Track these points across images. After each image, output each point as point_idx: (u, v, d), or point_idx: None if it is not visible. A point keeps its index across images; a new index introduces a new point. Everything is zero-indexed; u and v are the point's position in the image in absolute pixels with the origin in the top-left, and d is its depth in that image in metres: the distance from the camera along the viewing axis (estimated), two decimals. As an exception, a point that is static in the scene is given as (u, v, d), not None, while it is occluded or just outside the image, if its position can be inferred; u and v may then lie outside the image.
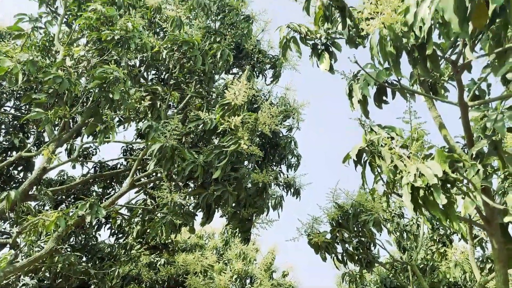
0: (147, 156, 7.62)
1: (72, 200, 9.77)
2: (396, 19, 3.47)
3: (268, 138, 8.42)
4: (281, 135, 8.82)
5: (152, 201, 8.31)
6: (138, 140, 9.10)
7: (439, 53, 3.85)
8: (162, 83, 8.54)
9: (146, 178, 8.28)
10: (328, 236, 6.90)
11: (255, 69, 8.54)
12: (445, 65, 4.79)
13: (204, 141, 7.50)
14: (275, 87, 9.20)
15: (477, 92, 4.62)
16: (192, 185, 7.80)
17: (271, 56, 8.67)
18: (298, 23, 5.01)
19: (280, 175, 8.61)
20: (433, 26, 3.17)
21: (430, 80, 5.09)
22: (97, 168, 9.65)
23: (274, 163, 8.96)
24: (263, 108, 6.97)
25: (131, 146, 9.56)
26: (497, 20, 2.77)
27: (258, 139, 8.61)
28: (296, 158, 9.24)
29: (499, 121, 3.71)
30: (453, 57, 3.96)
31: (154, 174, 8.07)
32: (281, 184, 8.66)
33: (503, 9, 2.61)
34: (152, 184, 8.74)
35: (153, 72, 9.02)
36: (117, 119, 8.55)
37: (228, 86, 6.72)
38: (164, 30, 8.39)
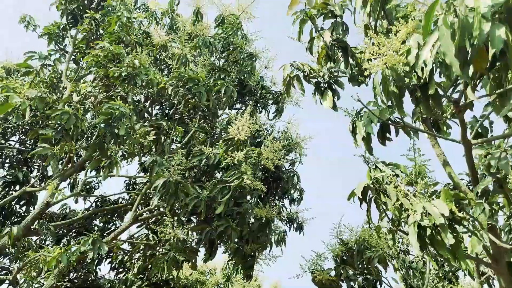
0: (150, 191, 7.63)
1: (74, 235, 9.68)
2: (398, 60, 3.56)
3: (271, 172, 8.43)
4: (283, 169, 8.84)
5: (154, 236, 8.23)
6: (141, 174, 9.12)
7: (441, 92, 3.93)
8: (166, 118, 8.65)
9: (148, 212, 8.24)
10: (333, 273, 6.78)
11: (258, 105, 8.67)
12: (447, 103, 4.87)
13: (207, 176, 7.52)
14: (277, 122, 9.31)
15: (479, 130, 4.68)
16: (194, 220, 7.75)
17: (274, 91, 8.83)
18: (301, 62, 5.13)
19: (282, 210, 8.57)
20: (434, 67, 3.26)
21: (433, 117, 5.16)
22: (99, 202, 9.61)
23: (276, 198, 8.93)
24: (266, 143, 7.03)
25: (134, 180, 9.56)
26: (497, 64, 2.85)
27: (260, 173, 8.63)
28: (298, 192, 9.22)
29: (503, 159, 3.74)
30: (455, 95, 4.05)
31: (156, 208, 8.04)
32: (284, 219, 8.60)
33: (502, 53, 2.69)
34: (154, 219, 8.69)
35: (158, 107, 9.16)
36: (120, 153, 8.61)
37: (231, 122, 6.81)
38: (170, 66, 8.59)
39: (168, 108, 8.81)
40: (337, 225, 7.85)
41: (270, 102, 8.82)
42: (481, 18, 2.57)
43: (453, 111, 4.41)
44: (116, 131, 6.52)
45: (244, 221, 6.93)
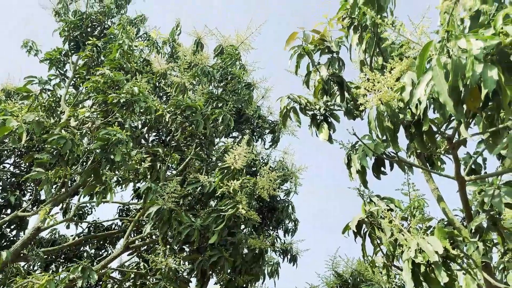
0: (143, 218, 7.55)
1: (63, 261, 9.49)
2: (393, 96, 3.63)
3: (266, 202, 8.39)
4: (278, 199, 8.80)
5: (146, 265, 8.08)
6: (135, 200, 9.05)
7: (434, 128, 3.99)
8: (163, 145, 8.67)
9: (140, 240, 8.12)
10: (327, 307, 6.65)
11: (255, 134, 8.73)
12: (441, 139, 4.92)
13: (202, 204, 7.47)
14: (273, 151, 9.34)
15: (473, 166, 4.72)
16: (187, 250, 7.64)
17: (270, 121, 8.91)
18: (298, 94, 5.21)
19: (277, 241, 8.48)
20: (428, 104, 3.33)
21: (427, 153, 5.21)
22: (91, 228, 9.48)
23: (271, 228, 8.85)
24: (262, 173, 7.03)
25: (127, 206, 9.47)
26: (490, 103, 2.91)
27: (255, 203, 8.58)
28: (293, 223, 9.15)
29: (497, 196, 3.75)
30: (449, 132, 4.10)
31: (149, 236, 7.94)
32: (277, 250, 8.49)
33: (495, 94, 2.75)
34: (146, 247, 8.56)
35: (155, 133, 9.20)
36: (115, 179, 8.57)
37: (228, 150, 6.83)
38: (168, 94, 8.68)
39: (165, 135, 8.85)
40: (332, 257, 7.77)
41: (267, 131, 8.89)
42: (474, 60, 2.65)
43: (447, 147, 4.46)
44: (112, 157, 6.51)
45: (237, 251, 6.84)
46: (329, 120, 5.20)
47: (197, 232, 6.48)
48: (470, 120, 3.59)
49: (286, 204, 8.93)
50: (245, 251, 7.34)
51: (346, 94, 4.90)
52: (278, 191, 8.66)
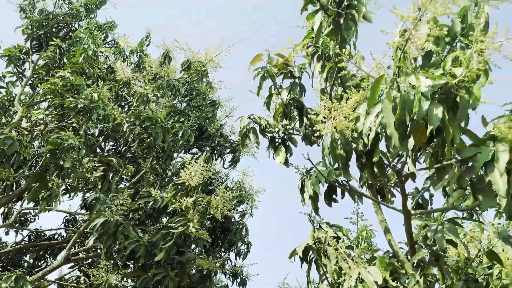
0: (89, 230, 7.22)
1: (0, 269, 8.87)
2: (347, 125, 3.68)
3: (219, 223, 8.25)
4: (233, 220, 8.68)
5: (86, 279, 7.69)
6: (83, 211, 8.66)
7: (385, 161, 4.08)
8: (118, 155, 8.42)
9: (84, 253, 7.75)
10: (271, 334, 6.52)
11: (215, 152, 8.66)
12: (391, 172, 5.04)
13: (152, 220, 7.24)
14: (233, 171, 9.27)
15: (420, 201, 4.85)
16: (132, 266, 7.33)
17: (232, 141, 8.88)
18: (259, 115, 5.23)
19: (227, 263, 8.31)
20: (380, 136, 3.40)
21: (379, 184, 5.31)
22: (32, 237, 8.95)
23: (223, 249, 8.68)
24: (218, 192, 6.92)
25: (73, 216, 9.05)
26: (435, 140, 3.01)
27: (209, 222, 8.42)
28: (246, 245, 9.03)
29: (439, 232, 3.84)
30: (399, 165, 4.20)
31: (93, 249, 7.58)
32: (227, 272, 8.32)
33: (439, 131, 2.85)
34: (90, 260, 8.16)
35: (112, 143, 8.93)
36: (64, 187, 8.21)
37: (185, 166, 6.71)
38: (130, 104, 8.50)
39: (122, 145, 8.61)
40: (280, 283, 7.67)
41: (227, 150, 8.84)
42: (421, 96, 2.74)
43: (396, 180, 4.56)
44: (62, 163, 6.24)
45: (184, 271, 6.63)
46: (287, 144, 5.23)
47: (144, 248, 6.25)
48: (418, 155, 3.70)
49: (240, 226, 8.82)
50: (193, 271, 7.13)
51: (305, 120, 4.95)
52: (233, 212, 8.56)
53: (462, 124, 2.99)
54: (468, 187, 3.22)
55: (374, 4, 4.36)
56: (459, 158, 3.05)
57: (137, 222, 7.48)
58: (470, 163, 2.89)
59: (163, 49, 9.06)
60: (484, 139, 2.91)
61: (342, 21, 4.38)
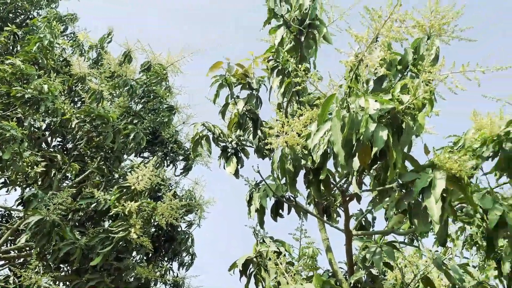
0: (22, 227, 6.78)
1: None
2: (298, 141, 3.70)
3: (165, 231, 8.02)
4: (179, 229, 8.47)
5: (16, 279, 7.18)
6: (19, 207, 8.14)
7: (333, 180, 4.13)
8: (64, 152, 8.03)
9: (16, 251, 7.25)
10: None
11: (167, 158, 8.46)
12: (338, 192, 5.13)
13: (93, 223, 6.92)
14: (184, 180, 9.08)
15: (363, 223, 4.94)
16: (66, 269, 6.94)
17: (186, 148, 8.72)
18: (213, 124, 5.18)
19: (168, 273, 8.06)
20: (328, 155, 3.43)
21: (325, 202, 5.38)
22: (-41, 231, 8.28)
23: (165, 259, 8.42)
24: (165, 199, 6.74)
25: (9, 212, 8.48)
26: (379, 162, 3.08)
27: (153, 229, 8.17)
28: (190, 256, 8.82)
29: (377, 254, 3.91)
30: (346, 186, 4.27)
31: (26, 249, 7.12)
32: (168, 283, 8.06)
33: (384, 154, 2.92)
34: (22, 260, 7.64)
35: (59, 139, 8.52)
36: (2, 180, 7.71)
37: (133, 169, 6.49)
38: (83, 100, 8.18)
39: (70, 142, 8.23)
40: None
41: (180, 157, 8.66)
42: (369, 118, 2.80)
43: (341, 200, 4.63)
44: (0, 154, 5.86)
45: (121, 278, 6.35)
46: (239, 155, 5.20)
47: (80, 251, 5.93)
48: (364, 177, 3.77)
49: (186, 236, 8.61)
50: (131, 279, 6.86)
51: (259, 132, 4.95)
52: (180, 221, 8.35)
53: (406, 150, 3.08)
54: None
55: (335, 27, 4.47)
56: (400, 182, 3.14)
57: (76, 224, 7.13)
58: (410, 188, 2.97)
59: (125, 48, 8.83)
60: (424, 166, 3.02)
61: (303, 39, 4.45)
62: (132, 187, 6.11)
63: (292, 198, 4.60)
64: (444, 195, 2.82)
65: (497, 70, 2.94)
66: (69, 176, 8.13)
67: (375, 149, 2.80)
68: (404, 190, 3.04)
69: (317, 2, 4.46)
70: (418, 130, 2.96)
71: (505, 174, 3.65)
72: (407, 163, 3.18)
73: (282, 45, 4.51)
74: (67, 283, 6.38)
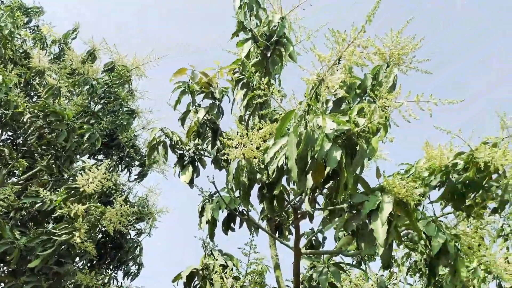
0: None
1: None
2: (255, 154, 3.68)
3: (112, 238, 7.72)
4: (128, 237, 8.18)
5: None
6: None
7: (287, 197, 4.13)
8: (14, 147, 7.62)
9: None
10: None
11: (123, 162, 8.20)
12: (291, 209, 5.14)
13: (36, 223, 6.55)
14: (138, 186, 8.82)
15: (313, 242, 4.97)
16: (1, 270, 6.50)
17: (143, 153, 8.49)
18: (172, 130, 5.09)
19: (112, 282, 7.73)
20: (283, 170, 3.44)
21: (279, 219, 5.38)
22: None
23: (110, 267, 8.08)
24: (115, 204, 6.49)
25: None
26: (331, 181, 3.12)
27: (100, 235, 7.85)
28: (137, 266, 8.51)
29: (324, 274, 3.93)
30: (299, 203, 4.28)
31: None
32: (110, 292, 7.72)
33: (336, 174, 2.96)
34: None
35: (10, 133, 8.08)
36: None
37: (84, 170, 6.24)
38: (40, 95, 7.83)
39: (20, 136, 7.82)
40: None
41: (136, 163, 8.42)
42: (324, 137, 2.83)
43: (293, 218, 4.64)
44: None
45: (60, 283, 6.01)
46: (196, 164, 5.13)
47: (18, 252, 5.58)
48: (317, 195, 3.80)
49: (135, 245, 8.32)
50: (71, 286, 6.51)
51: (218, 143, 4.91)
52: (130, 229, 8.08)
53: (358, 171, 3.14)
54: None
55: (302, 46, 4.54)
56: (351, 203, 3.18)
57: (18, 223, 6.73)
58: (358, 210, 3.02)
59: (90, 47, 8.58)
60: (374, 189, 3.08)
61: (269, 54, 4.50)
62: (81, 189, 5.85)
63: (245, 212, 4.56)
64: (391, 219, 2.88)
65: (449, 103, 3.07)
66: (16, 173, 7.71)
67: (328, 168, 2.83)
68: (353, 212, 3.08)
69: (286, 21, 4.54)
70: (371, 153, 3.02)
71: (449, 204, 3.78)
72: (359, 185, 3.24)
73: (249, 58, 4.54)
74: (2, 284, 5.96)
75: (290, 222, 5.11)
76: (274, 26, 4.47)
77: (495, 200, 3.85)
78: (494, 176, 3.76)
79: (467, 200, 3.74)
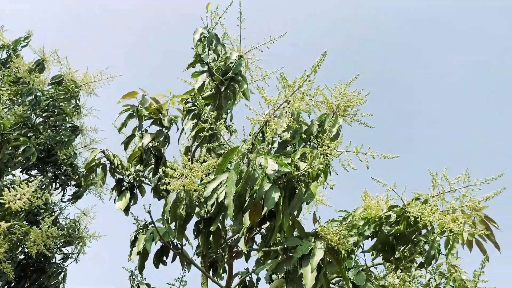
0: None
1: None
2: (196, 187, 3.61)
3: (34, 261, 7.14)
4: (52, 261, 7.59)
5: None
6: None
7: (224, 234, 4.06)
8: None
9: None
10: None
11: (58, 180, 7.73)
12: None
13: None
14: (72, 208, 8.31)
15: (247, 282, 4.87)
16: None
17: (81, 173, 8.07)
18: (114, 153, 4.91)
19: (27, 309, 7.08)
20: (222, 206, 3.39)
21: (214, 256, 5.24)
22: None
23: (29, 292, 7.41)
24: (43, 225, 6.06)
25: None
26: (268, 223, 3.11)
27: (22, 256, 7.24)
28: (60, 293, 7.88)
29: (252, 316, 3.84)
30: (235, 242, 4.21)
31: None
32: (24, 320, 7.04)
33: (273, 216, 2.96)
34: None
35: None
36: None
37: (13, 186, 5.80)
38: (-23, 100, 7.32)
39: None
40: None
41: (73, 183, 7.96)
42: (265, 177, 2.85)
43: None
44: None
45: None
46: (134, 191, 4.94)
47: None
48: (254, 236, 3.77)
49: (59, 270, 7.73)
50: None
51: (160, 171, 4.79)
52: (55, 252, 7.53)
53: (295, 214, 3.17)
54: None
55: (257, 86, 4.63)
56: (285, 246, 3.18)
57: None
58: (291, 254, 3.01)
59: (40, 56, 8.22)
60: (308, 234, 3.11)
61: (223, 89, 4.54)
62: (6, 205, 5.42)
63: (179, 246, 4.41)
64: (322, 265, 2.89)
65: (385, 158, 3.22)
66: None
67: (265, 209, 2.83)
68: (286, 255, 3.07)
69: (243, 59, 4.64)
70: (309, 198, 3.07)
71: (380, 255, 3.89)
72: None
73: (202, 90, 4.55)
74: None
75: (226, 260, 5.00)
76: (231, 62, 4.54)
77: (423, 254, 4.02)
78: (424, 231, 3.95)
79: (396, 253, 3.87)
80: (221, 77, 4.47)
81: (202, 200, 3.65)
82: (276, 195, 2.80)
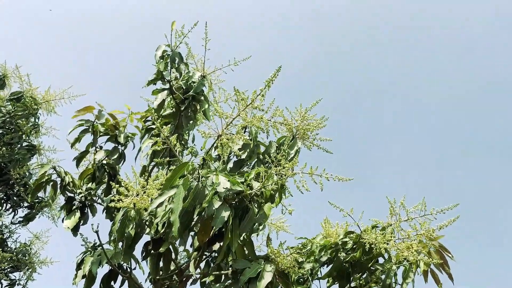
0: None
1: None
2: (147, 205, 3.44)
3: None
4: (-4, 288, 7.06)
5: None
6: None
7: (175, 256, 3.86)
8: None
9: None
10: None
11: (9, 201, 7.31)
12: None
13: None
14: (23, 230, 7.83)
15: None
16: None
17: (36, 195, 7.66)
18: (66, 170, 4.67)
19: None
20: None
21: (168, 282, 4.98)
22: None
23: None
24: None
25: None
26: (217, 243, 2.97)
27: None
28: (1, 324, 7.28)
29: None
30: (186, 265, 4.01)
31: None
32: None
33: (221, 236, 2.82)
34: None
35: None
36: None
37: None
38: None
39: None
40: None
41: (25, 204, 7.54)
42: (215, 195, 2.73)
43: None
44: None
45: None
46: (85, 210, 4.69)
47: None
48: (203, 258, 3.60)
49: (3, 298, 7.18)
50: None
51: (114, 190, 4.57)
52: (1, 278, 7.02)
53: (246, 236, 3.04)
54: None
55: (220, 107, 4.56)
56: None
57: None
58: (240, 276, 2.87)
59: (1, 72, 7.94)
60: (259, 256, 2.98)
61: (183, 108, 4.45)
62: None
63: (129, 270, 4.15)
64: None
65: (339, 180, 3.18)
66: None
67: (214, 228, 2.70)
68: (234, 278, 2.92)
69: (206, 80, 4.58)
70: (261, 218, 2.97)
71: (336, 282, 3.78)
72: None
73: (162, 108, 4.45)
74: None
75: (177, 285, 4.75)
76: (194, 82, 4.48)
77: (379, 284, 3.93)
78: (381, 260, 3.88)
79: (352, 281, 3.77)
80: (182, 96, 4.39)
81: (154, 220, 3.49)
82: (225, 214, 2.69)
